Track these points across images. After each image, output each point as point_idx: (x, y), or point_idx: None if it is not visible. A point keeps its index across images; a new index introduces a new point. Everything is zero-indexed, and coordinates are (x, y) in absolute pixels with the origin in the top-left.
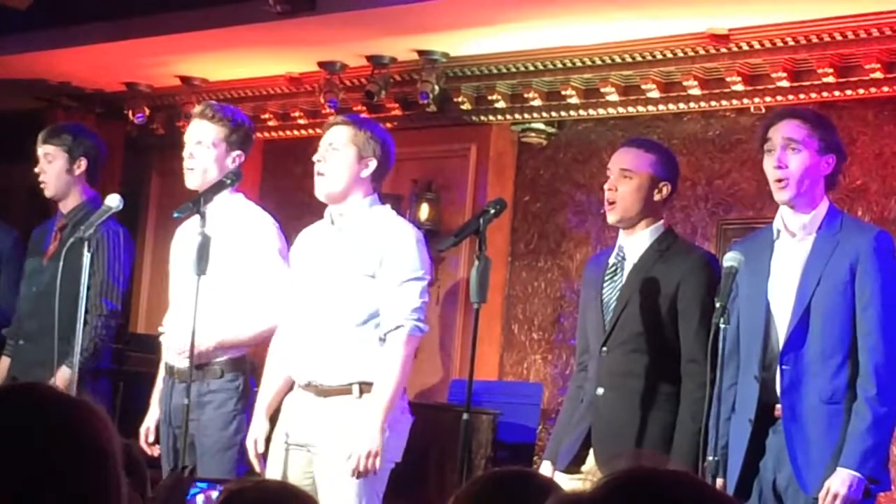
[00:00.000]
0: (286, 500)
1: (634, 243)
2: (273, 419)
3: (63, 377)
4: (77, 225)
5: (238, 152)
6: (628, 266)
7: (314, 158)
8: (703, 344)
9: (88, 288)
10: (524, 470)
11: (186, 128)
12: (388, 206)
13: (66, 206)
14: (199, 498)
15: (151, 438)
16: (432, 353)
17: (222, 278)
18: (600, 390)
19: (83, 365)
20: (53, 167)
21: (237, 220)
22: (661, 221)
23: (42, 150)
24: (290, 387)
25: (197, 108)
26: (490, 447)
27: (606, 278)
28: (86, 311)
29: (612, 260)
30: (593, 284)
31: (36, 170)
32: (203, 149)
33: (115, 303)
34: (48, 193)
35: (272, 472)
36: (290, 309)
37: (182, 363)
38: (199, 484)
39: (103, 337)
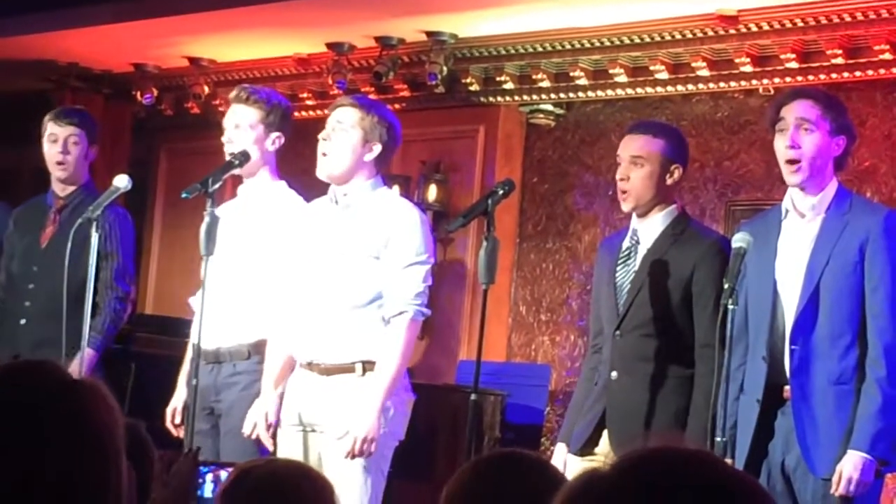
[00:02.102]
0: (297, 479)
1: (648, 227)
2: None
3: (88, 358)
4: (79, 207)
5: (277, 133)
6: (642, 250)
7: (320, 136)
8: (716, 328)
9: (97, 269)
10: (514, 451)
11: (195, 109)
12: (395, 188)
13: (64, 189)
14: (209, 477)
15: (178, 420)
16: (440, 334)
17: (256, 267)
18: (615, 374)
19: (104, 346)
20: (78, 150)
21: (276, 209)
22: (675, 205)
23: (66, 130)
24: (293, 365)
25: (233, 93)
26: (498, 428)
27: (620, 262)
28: (95, 293)
29: (625, 243)
30: (606, 267)
31: (57, 150)
32: (241, 132)
33: (129, 285)
34: (64, 174)
35: (283, 455)
36: (292, 288)
37: (211, 345)
38: (203, 468)
39: (120, 318)
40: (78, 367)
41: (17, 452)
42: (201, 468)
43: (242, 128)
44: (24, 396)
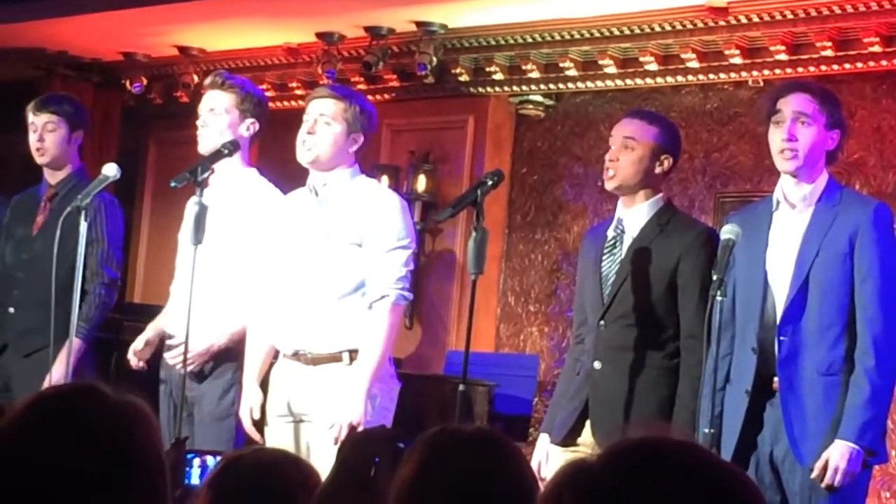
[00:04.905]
0: (284, 468)
1: (634, 216)
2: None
3: (76, 348)
4: (68, 195)
5: (252, 120)
6: (628, 239)
7: (306, 130)
8: (702, 319)
9: (86, 257)
10: (491, 431)
11: (184, 97)
12: (384, 179)
13: (54, 177)
14: (196, 462)
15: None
16: (429, 325)
17: (226, 254)
18: (597, 364)
19: (88, 333)
20: (55, 136)
21: (246, 196)
22: (661, 195)
23: (42, 118)
24: (274, 357)
25: (208, 79)
26: (486, 419)
27: (605, 251)
28: (84, 280)
29: (610, 233)
30: (591, 257)
31: (34, 138)
32: (215, 116)
33: (115, 271)
34: (43, 161)
35: (272, 445)
36: (272, 279)
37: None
38: (190, 455)
39: (106, 305)
40: (66, 356)
41: (65, 480)
42: (187, 455)
43: (217, 112)
44: (71, 423)
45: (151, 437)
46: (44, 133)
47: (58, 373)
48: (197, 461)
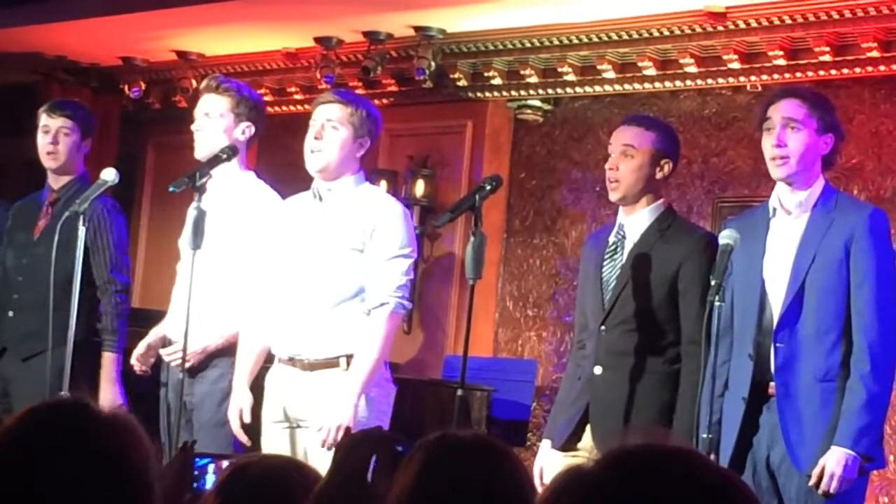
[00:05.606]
0: (290, 474)
1: (635, 222)
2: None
3: (113, 361)
4: (70, 200)
5: (247, 124)
6: (628, 245)
7: (313, 136)
8: (703, 324)
9: (92, 264)
10: (482, 435)
11: (182, 102)
12: (382, 184)
13: (57, 182)
14: (211, 467)
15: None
16: (427, 329)
17: (224, 258)
18: (598, 369)
19: (118, 344)
20: (69, 141)
21: (243, 199)
22: (662, 200)
23: (58, 121)
24: (268, 361)
25: (203, 83)
26: (484, 424)
27: (606, 257)
28: (94, 287)
29: (612, 238)
30: (592, 262)
31: (48, 141)
32: (210, 120)
33: (127, 276)
34: (54, 164)
35: (268, 451)
36: (268, 282)
37: (181, 338)
38: (199, 460)
39: (125, 311)
40: (108, 378)
41: (57, 493)
42: (199, 460)
43: (212, 116)
44: (62, 437)
45: (142, 451)
46: (58, 136)
47: (106, 398)
48: (212, 466)
